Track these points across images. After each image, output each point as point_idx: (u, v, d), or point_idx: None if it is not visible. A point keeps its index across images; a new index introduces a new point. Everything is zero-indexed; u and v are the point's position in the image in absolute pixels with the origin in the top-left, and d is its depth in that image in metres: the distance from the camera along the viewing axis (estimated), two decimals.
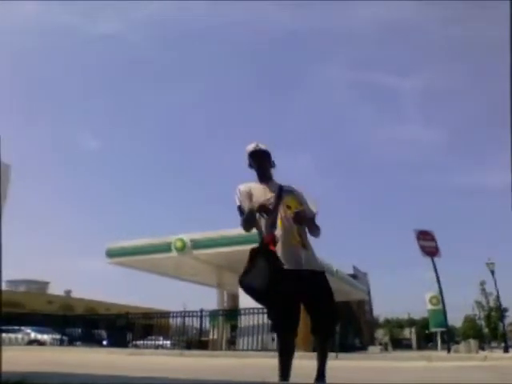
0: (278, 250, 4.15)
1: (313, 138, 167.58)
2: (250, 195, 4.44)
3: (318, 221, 4.57)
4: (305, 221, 4.35)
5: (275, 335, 4.31)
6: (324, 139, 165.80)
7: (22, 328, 30.88)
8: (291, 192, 4.52)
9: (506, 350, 29.16)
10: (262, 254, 4.10)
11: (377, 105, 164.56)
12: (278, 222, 4.28)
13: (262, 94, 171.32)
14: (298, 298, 4.12)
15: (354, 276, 46.40)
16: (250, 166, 4.63)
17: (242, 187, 4.53)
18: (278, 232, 4.24)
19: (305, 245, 4.31)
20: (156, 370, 8.78)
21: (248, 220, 4.33)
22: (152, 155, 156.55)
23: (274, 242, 4.15)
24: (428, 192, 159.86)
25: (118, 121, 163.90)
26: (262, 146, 4.53)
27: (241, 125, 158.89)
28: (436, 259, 20.45)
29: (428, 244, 20.82)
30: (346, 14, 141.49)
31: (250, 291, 4.11)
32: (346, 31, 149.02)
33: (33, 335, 30.23)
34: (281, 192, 4.41)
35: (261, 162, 4.56)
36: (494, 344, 57.48)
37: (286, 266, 4.07)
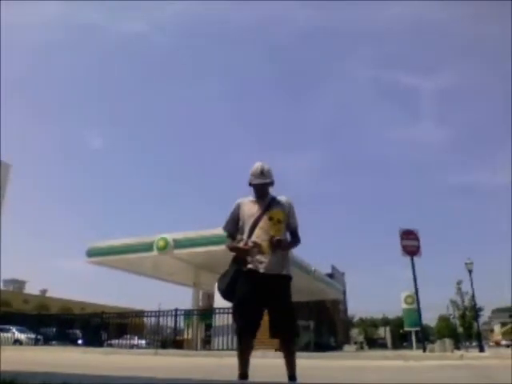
0: (249, 256, 4.62)
1: (322, 136, 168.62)
2: (238, 213, 4.90)
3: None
4: (281, 248, 4.66)
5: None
6: (332, 137, 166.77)
7: (10, 327, 30.61)
8: (279, 204, 4.87)
9: (481, 349, 29.46)
10: (233, 260, 4.77)
11: (393, 103, 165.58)
12: (255, 230, 4.69)
13: (279, 91, 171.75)
14: (257, 300, 4.51)
15: (331, 275, 46.63)
16: (250, 185, 4.94)
17: (236, 204, 4.97)
18: (253, 239, 4.65)
19: (274, 252, 4.65)
20: (131, 368, 8.70)
21: (228, 248, 4.86)
22: (149, 156, 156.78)
23: (246, 250, 4.62)
24: (417, 192, 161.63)
25: (123, 121, 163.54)
26: (265, 172, 4.87)
27: (255, 123, 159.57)
28: (415, 259, 20.48)
29: (410, 243, 20.86)
30: (368, 12, 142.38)
31: (219, 292, 4.79)
32: (366, 30, 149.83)
33: (16, 334, 29.96)
34: (268, 206, 4.82)
35: (260, 192, 4.91)
36: (468, 343, 58.04)
37: (249, 266, 4.60)
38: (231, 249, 4.77)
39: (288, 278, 4.71)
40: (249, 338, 4.50)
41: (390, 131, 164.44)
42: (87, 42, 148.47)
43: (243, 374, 4.44)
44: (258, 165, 4.89)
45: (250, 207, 4.85)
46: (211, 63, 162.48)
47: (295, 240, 4.95)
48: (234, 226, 4.89)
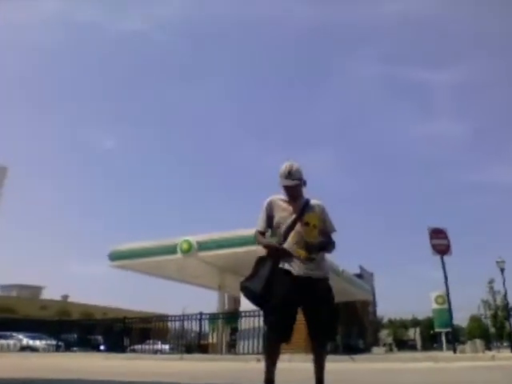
0: (285, 257, 4.51)
1: (336, 134, 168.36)
2: (271, 211, 4.78)
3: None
4: (314, 252, 4.54)
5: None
6: (347, 135, 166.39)
7: (14, 334, 30.87)
8: (313, 208, 4.75)
9: None
10: (266, 260, 4.58)
11: (405, 99, 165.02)
12: (291, 234, 4.56)
13: (288, 89, 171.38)
14: (295, 303, 4.41)
15: (359, 276, 46.46)
16: (281, 188, 4.80)
17: (267, 203, 4.85)
18: (287, 245, 4.52)
19: (310, 258, 4.52)
20: (156, 374, 8.73)
21: (259, 244, 4.75)
22: (164, 156, 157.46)
23: (279, 252, 4.52)
24: (442, 189, 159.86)
25: (134, 121, 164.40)
26: (294, 173, 4.69)
27: (265, 120, 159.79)
28: (445, 257, 20.34)
29: (440, 242, 20.72)
30: (375, 6, 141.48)
31: (247, 295, 4.58)
32: (374, 24, 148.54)
33: (25, 341, 30.16)
34: (303, 210, 4.68)
35: (291, 194, 4.76)
36: (499, 344, 57.44)
37: (286, 267, 4.47)
38: (265, 246, 4.64)
39: (326, 280, 4.63)
40: (280, 342, 4.41)
41: (409, 127, 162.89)
42: (87, 41, 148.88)
43: (269, 379, 4.36)
44: (285, 165, 4.72)
45: (283, 208, 4.73)
46: (217, 61, 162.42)
47: (331, 245, 4.83)
48: (266, 224, 4.76)
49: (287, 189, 4.73)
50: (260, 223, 4.80)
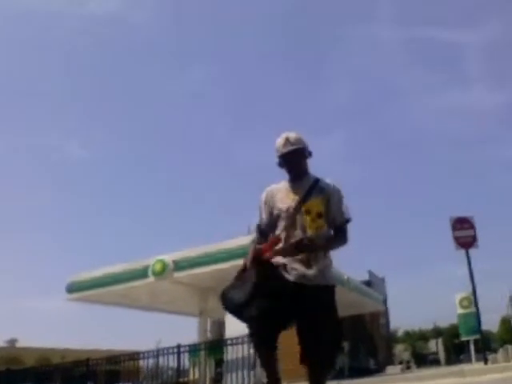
0: (278, 258, 4.30)
1: (350, 113, 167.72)
2: (272, 202, 4.53)
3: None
4: (308, 250, 4.27)
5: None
6: (362, 114, 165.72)
7: None
8: (321, 191, 4.43)
9: None
10: (254, 264, 4.24)
11: (430, 66, 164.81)
12: (294, 229, 4.33)
13: (294, 65, 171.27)
14: (283, 310, 4.11)
15: (368, 283, 46.60)
16: (280, 165, 4.58)
17: (264, 194, 4.64)
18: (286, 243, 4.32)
19: (309, 259, 4.30)
20: None
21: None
22: (134, 167, 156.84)
23: (273, 249, 4.30)
24: (470, 171, 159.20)
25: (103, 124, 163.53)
26: (293, 140, 4.44)
27: (268, 102, 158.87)
28: (471, 252, 20.41)
29: (465, 234, 20.58)
30: None
31: (226, 305, 4.32)
32: None
33: None
34: (307, 194, 4.38)
35: (292, 165, 4.53)
36: None
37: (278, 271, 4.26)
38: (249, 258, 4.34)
39: (331, 289, 4.38)
40: (268, 347, 4.13)
41: (430, 100, 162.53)
42: (48, 33, 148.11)
43: (274, 379, 4.14)
44: (282, 136, 4.49)
45: (283, 195, 4.49)
46: (205, 42, 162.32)
47: (339, 236, 4.50)
48: (268, 216, 4.55)
49: (287, 160, 4.48)
50: (260, 217, 4.64)
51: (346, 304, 35.71)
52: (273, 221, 4.50)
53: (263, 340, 4.09)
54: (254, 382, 18.44)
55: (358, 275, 40.09)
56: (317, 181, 4.47)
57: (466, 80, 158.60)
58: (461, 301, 37.76)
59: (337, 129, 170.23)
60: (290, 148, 4.39)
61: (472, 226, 20.91)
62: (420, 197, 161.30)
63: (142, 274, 26.71)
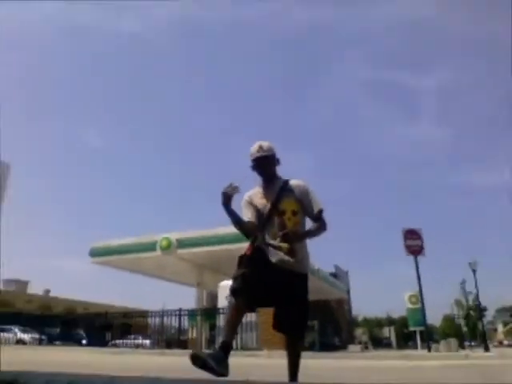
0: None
1: (318, 137, 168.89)
2: (251, 207, 4.36)
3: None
4: (294, 240, 4.10)
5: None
6: (329, 138, 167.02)
7: (12, 327, 30.79)
8: (292, 192, 4.33)
9: (486, 348, 29.51)
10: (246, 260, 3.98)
11: (390, 103, 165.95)
12: (270, 230, 4.23)
13: (274, 91, 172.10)
14: (267, 282, 3.92)
15: (334, 275, 46.56)
16: (253, 169, 4.47)
17: (244, 199, 4.45)
18: (267, 239, 4.21)
19: (291, 252, 4.13)
20: (138, 369, 8.74)
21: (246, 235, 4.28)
22: (148, 154, 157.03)
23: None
24: (418, 191, 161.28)
25: (122, 120, 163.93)
26: (265, 147, 4.39)
27: (251, 123, 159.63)
28: (419, 258, 20.65)
29: (414, 243, 21.09)
30: (360, 12, 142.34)
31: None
32: (359, 29, 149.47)
33: (19, 335, 30.10)
34: (279, 195, 4.29)
35: (263, 168, 4.43)
36: (472, 343, 57.99)
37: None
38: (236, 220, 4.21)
39: (305, 276, 4.24)
40: (240, 307, 3.86)
41: (389, 130, 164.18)
42: (81, 42, 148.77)
43: (226, 342, 3.76)
44: (256, 143, 4.41)
45: (259, 198, 4.37)
46: (207, 62, 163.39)
47: (317, 226, 4.30)
48: (252, 214, 4.31)
49: (259, 163, 4.38)
50: (245, 215, 4.32)
51: (316, 290, 35.78)
52: (254, 216, 4.31)
53: (240, 301, 3.81)
54: (242, 345, 18.59)
55: (326, 267, 39.99)
56: (286, 183, 4.39)
57: (418, 115, 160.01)
58: (409, 297, 37.93)
59: (307, 148, 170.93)
60: (263, 154, 4.33)
61: (420, 237, 21.22)
62: (381, 208, 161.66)
63: (151, 247, 27.17)
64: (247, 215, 4.30)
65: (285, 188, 4.34)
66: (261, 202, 4.34)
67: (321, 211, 4.31)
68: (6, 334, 28.71)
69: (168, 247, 26.55)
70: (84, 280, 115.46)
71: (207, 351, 3.69)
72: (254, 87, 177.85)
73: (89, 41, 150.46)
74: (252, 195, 4.43)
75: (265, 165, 4.40)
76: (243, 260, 3.97)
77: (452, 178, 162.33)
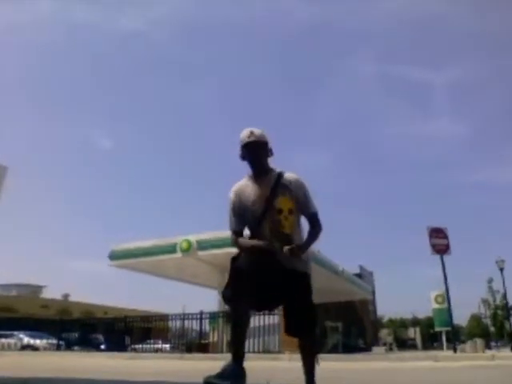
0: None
1: (335, 136, 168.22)
2: (239, 202, 4.07)
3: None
4: (300, 255, 3.85)
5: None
6: (346, 136, 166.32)
7: (15, 333, 30.96)
8: (287, 187, 4.02)
9: None
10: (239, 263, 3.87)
11: (404, 100, 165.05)
12: (264, 228, 3.96)
13: (285, 90, 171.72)
14: (268, 288, 3.78)
15: (359, 275, 46.53)
16: (243, 158, 4.11)
17: (232, 194, 4.13)
18: (262, 238, 3.93)
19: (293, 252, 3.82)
20: (157, 373, 8.76)
21: (242, 248, 4.07)
22: (163, 156, 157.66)
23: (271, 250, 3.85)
24: (441, 190, 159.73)
25: (132, 120, 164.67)
26: (257, 133, 4.04)
27: (262, 122, 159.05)
28: (445, 257, 20.46)
29: (439, 242, 20.85)
30: (372, 7, 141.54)
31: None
32: (372, 23, 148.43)
33: (26, 340, 30.26)
34: (274, 190, 3.98)
35: (254, 155, 4.06)
36: (499, 343, 57.47)
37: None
38: (252, 247, 3.90)
39: (308, 276, 4.01)
40: (242, 304, 3.66)
41: (406, 128, 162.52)
42: (83, 42, 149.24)
43: (237, 350, 3.68)
44: (247, 129, 4.05)
45: (249, 192, 4.03)
46: (213, 60, 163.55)
47: (316, 231, 4.09)
48: (239, 220, 4.08)
49: (250, 150, 4.01)
50: (232, 223, 4.12)
51: (341, 291, 35.78)
52: (244, 220, 4.08)
53: (239, 294, 3.61)
54: (263, 347, 18.61)
55: (351, 268, 39.92)
56: (280, 176, 4.06)
57: (432, 112, 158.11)
58: (436, 297, 37.56)
59: (323, 146, 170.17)
60: (253, 139, 3.97)
61: (445, 236, 20.95)
62: (406, 208, 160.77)
63: (171, 249, 27.21)
64: (233, 216, 4.11)
65: (280, 182, 4.03)
66: (251, 195, 4.03)
67: (316, 214, 4.13)
68: (4, 340, 29.02)
69: (188, 249, 26.55)
70: (103, 284, 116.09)
71: (220, 369, 3.52)
72: (262, 87, 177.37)
73: (91, 40, 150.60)
74: (239, 191, 4.11)
75: (256, 152, 4.03)
76: (234, 263, 3.88)
77: (475, 176, 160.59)
